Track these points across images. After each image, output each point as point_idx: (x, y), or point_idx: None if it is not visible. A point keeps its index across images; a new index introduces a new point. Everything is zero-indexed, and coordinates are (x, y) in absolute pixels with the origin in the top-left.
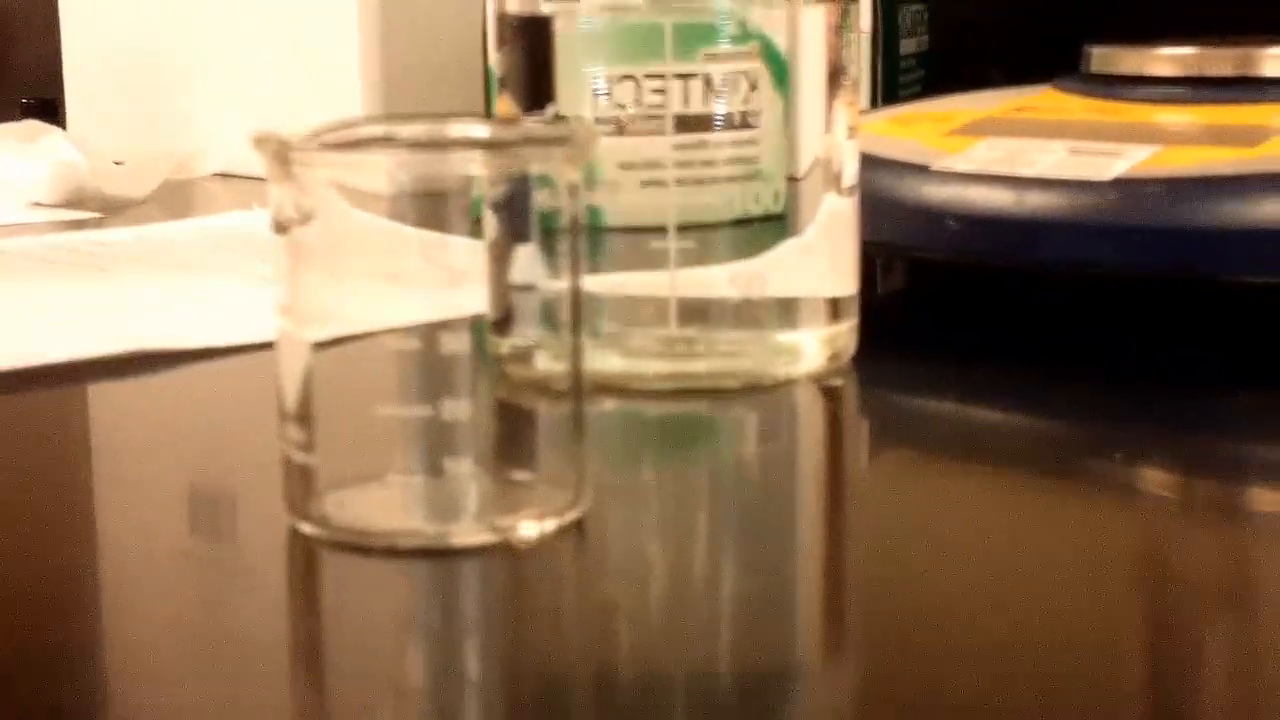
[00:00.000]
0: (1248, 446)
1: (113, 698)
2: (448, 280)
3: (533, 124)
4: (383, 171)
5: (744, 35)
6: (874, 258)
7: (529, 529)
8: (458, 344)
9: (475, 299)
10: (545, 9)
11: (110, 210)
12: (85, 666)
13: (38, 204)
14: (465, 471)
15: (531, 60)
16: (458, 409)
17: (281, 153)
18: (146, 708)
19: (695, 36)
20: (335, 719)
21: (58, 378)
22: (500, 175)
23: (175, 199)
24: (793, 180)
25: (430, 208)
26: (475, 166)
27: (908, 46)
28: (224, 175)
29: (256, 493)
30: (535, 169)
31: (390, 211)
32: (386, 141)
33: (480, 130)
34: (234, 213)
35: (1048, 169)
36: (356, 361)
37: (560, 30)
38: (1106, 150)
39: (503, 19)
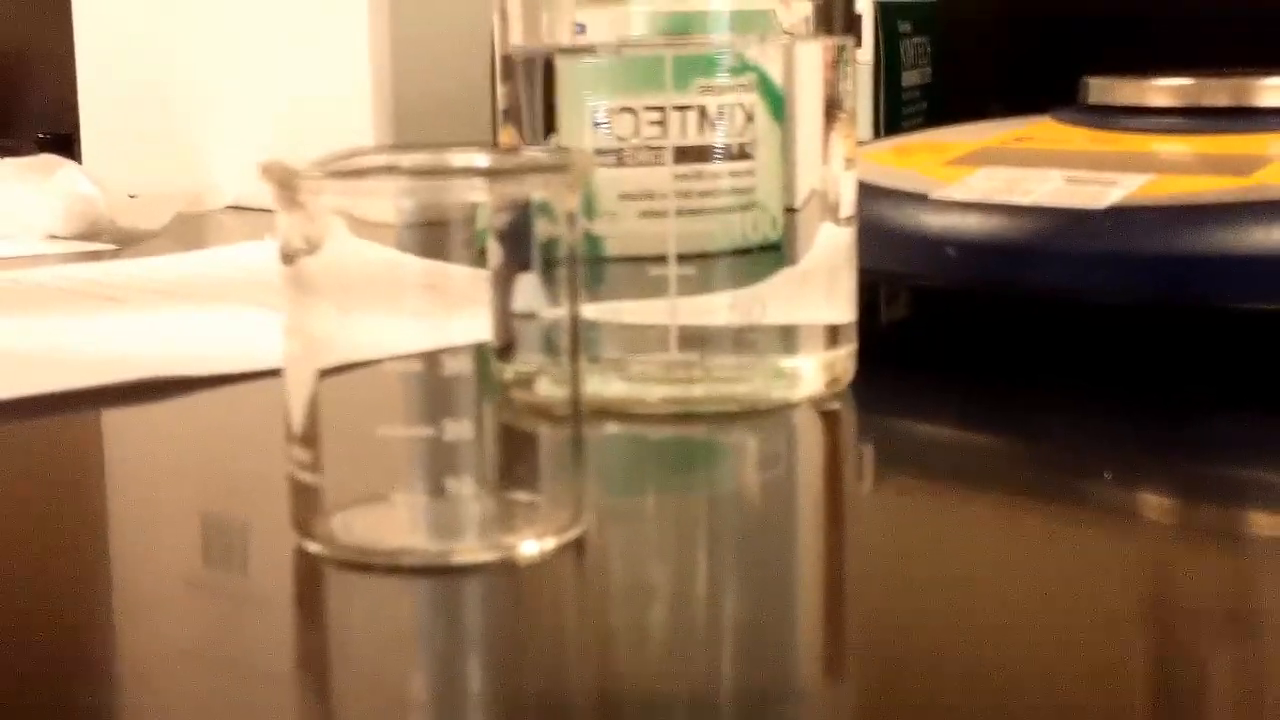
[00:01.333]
0: (1244, 471)
1: (124, 708)
2: (451, 309)
3: (532, 152)
4: (388, 199)
5: (740, 68)
6: (874, 285)
7: (529, 547)
8: (460, 366)
9: (478, 327)
10: (548, 44)
11: (125, 242)
12: (97, 688)
13: (53, 236)
14: (467, 491)
15: (534, 93)
16: (460, 430)
17: (288, 180)
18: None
19: (693, 70)
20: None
21: (71, 404)
22: (502, 202)
23: (188, 231)
24: (790, 211)
25: (434, 237)
26: (477, 193)
27: (910, 79)
28: (236, 208)
29: (266, 515)
30: (536, 195)
31: (395, 240)
32: (391, 169)
33: (481, 159)
34: (245, 244)
35: (1044, 197)
36: (361, 383)
37: (562, 64)
38: (1102, 179)
39: (507, 54)
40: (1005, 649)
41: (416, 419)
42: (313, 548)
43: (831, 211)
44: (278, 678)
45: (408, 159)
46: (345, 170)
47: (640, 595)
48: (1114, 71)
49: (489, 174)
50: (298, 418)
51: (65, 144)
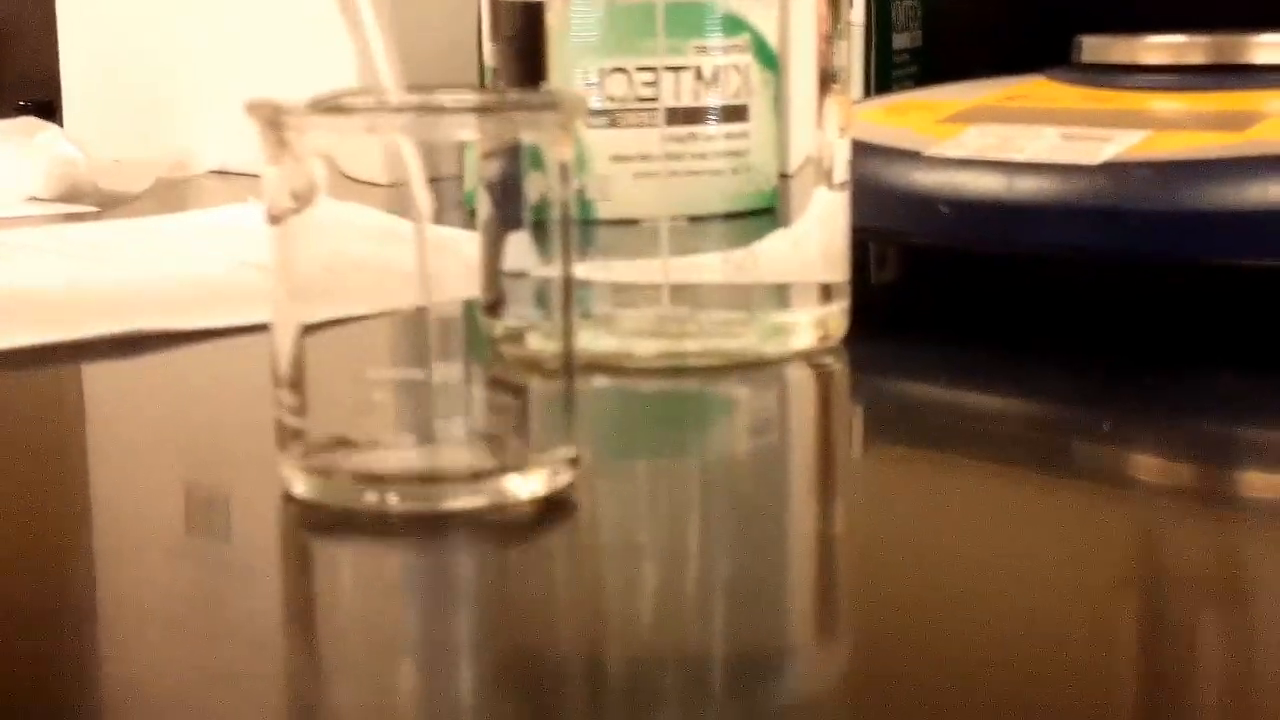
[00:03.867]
0: (1239, 429)
1: (107, 677)
2: (440, 265)
3: (522, 93)
4: (375, 136)
5: (735, 28)
6: (867, 245)
7: (519, 491)
8: (449, 310)
9: (468, 284)
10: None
11: (106, 205)
12: (78, 645)
13: (35, 199)
14: (457, 436)
15: (524, 50)
16: (449, 373)
17: (274, 119)
18: (141, 682)
19: (686, 29)
20: (331, 683)
21: (52, 358)
22: (491, 142)
23: (171, 195)
24: (784, 177)
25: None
26: (467, 130)
27: (900, 41)
28: (219, 172)
29: (251, 466)
30: (526, 136)
31: (384, 197)
32: (379, 108)
33: (471, 97)
34: (228, 206)
35: (1038, 154)
36: (349, 328)
37: (553, 20)
38: (1097, 135)
39: (497, 9)
40: (997, 607)
41: (405, 362)
42: (299, 492)
43: (826, 177)
44: (264, 632)
45: (396, 99)
46: (332, 107)
47: (630, 548)
48: (1107, 31)
49: (478, 110)
50: (284, 362)
51: (47, 111)
